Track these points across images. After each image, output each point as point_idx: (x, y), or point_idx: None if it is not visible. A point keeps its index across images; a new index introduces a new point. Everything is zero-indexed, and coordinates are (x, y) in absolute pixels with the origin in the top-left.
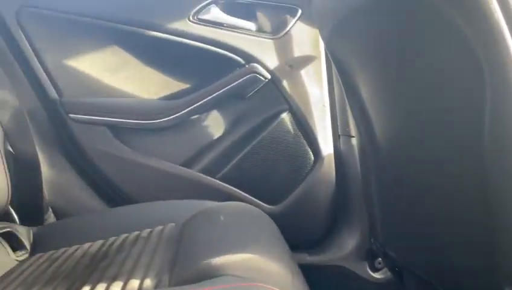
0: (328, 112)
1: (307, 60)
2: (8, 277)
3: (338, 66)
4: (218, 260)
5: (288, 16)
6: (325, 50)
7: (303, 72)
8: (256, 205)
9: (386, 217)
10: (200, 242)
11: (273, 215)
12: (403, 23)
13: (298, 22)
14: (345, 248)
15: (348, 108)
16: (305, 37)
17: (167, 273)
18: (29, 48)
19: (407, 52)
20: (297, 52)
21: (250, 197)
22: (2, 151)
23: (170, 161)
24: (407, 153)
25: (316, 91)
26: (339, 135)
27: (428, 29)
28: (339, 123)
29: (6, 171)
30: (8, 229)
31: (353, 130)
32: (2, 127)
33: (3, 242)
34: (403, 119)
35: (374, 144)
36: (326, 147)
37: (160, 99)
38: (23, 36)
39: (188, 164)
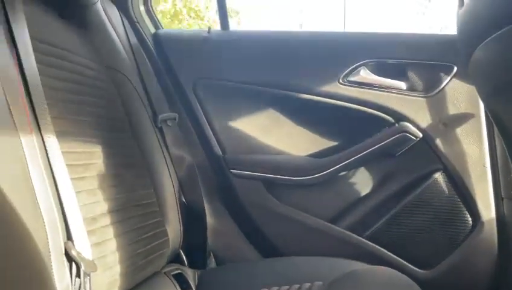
0: (489, 172)
1: (463, 118)
2: None
3: (499, 124)
4: None
5: (442, 74)
6: (484, 108)
7: (459, 131)
8: (406, 269)
9: None
10: None
11: (423, 281)
12: None
13: (453, 79)
14: None
15: None
16: (461, 95)
17: None
18: (201, 112)
19: None
20: (453, 109)
21: (399, 259)
22: (178, 201)
23: (318, 217)
24: None
25: (474, 150)
26: (502, 198)
27: None
28: (502, 185)
29: (180, 218)
30: (179, 271)
31: None
32: (178, 179)
33: (175, 283)
34: None
35: None
36: (487, 210)
37: (310, 156)
38: (197, 103)
39: (335, 220)
